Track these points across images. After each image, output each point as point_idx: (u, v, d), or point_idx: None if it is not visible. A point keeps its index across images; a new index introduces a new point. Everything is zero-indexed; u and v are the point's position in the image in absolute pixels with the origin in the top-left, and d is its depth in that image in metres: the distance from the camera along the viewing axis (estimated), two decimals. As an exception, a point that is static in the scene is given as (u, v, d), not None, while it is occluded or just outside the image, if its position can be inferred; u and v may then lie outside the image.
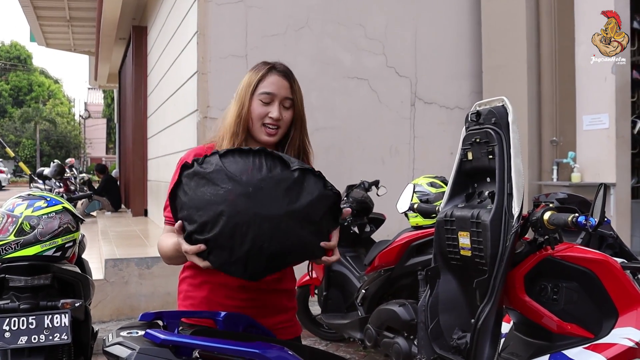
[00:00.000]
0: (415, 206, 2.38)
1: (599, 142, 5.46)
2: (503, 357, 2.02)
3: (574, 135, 5.70)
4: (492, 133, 1.86)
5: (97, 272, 5.79)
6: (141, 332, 1.59)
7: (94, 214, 12.62)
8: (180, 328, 1.83)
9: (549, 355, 1.90)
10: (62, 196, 3.77)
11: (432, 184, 3.66)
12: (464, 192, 2.03)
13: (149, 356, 1.48)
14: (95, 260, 6.46)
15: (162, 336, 1.51)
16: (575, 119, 5.67)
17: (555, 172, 5.69)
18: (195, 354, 1.52)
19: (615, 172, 5.31)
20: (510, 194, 1.80)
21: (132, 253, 6.06)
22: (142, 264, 5.67)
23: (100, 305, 5.45)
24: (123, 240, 7.34)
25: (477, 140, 1.92)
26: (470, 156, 1.97)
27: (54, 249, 2.64)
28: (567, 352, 1.88)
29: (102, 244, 7.16)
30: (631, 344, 1.86)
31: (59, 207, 2.72)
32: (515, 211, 1.78)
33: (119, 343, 1.55)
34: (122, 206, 13.11)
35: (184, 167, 1.64)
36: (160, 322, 1.80)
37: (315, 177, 1.61)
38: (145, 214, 10.64)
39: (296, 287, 4.77)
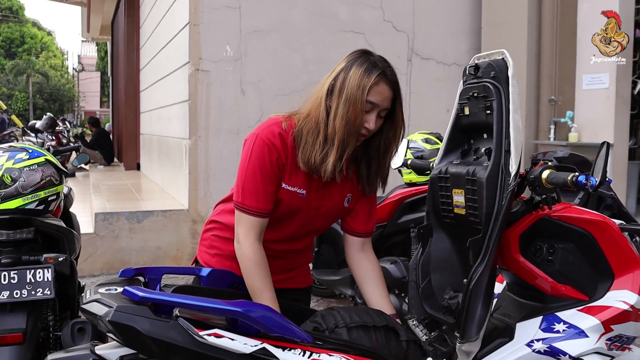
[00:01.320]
0: (409, 162, 2.30)
1: (598, 102, 5.37)
2: (495, 317, 1.98)
3: (572, 94, 5.61)
4: (490, 87, 1.77)
5: (87, 226, 5.74)
6: (120, 289, 1.53)
7: (86, 167, 12.51)
8: (163, 285, 1.77)
9: (542, 316, 1.86)
10: (48, 149, 3.68)
11: (427, 140, 3.57)
12: (460, 149, 1.96)
13: (127, 314, 1.43)
14: (87, 214, 6.40)
15: (140, 293, 1.45)
16: (575, 78, 5.56)
17: (552, 131, 5.61)
18: (176, 312, 1.46)
19: (613, 132, 5.23)
20: (508, 151, 1.72)
21: (123, 207, 6.00)
22: (133, 217, 5.61)
23: (91, 260, 5.41)
24: (114, 194, 7.27)
25: (475, 94, 1.83)
26: (467, 111, 1.88)
27: (37, 202, 2.55)
28: (561, 314, 1.84)
29: (93, 198, 7.09)
30: (626, 306, 1.82)
31: (41, 159, 2.62)
32: (513, 169, 1.70)
33: (96, 300, 1.50)
34: (115, 160, 13.01)
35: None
36: (141, 279, 1.74)
37: (416, 346, 1.79)
38: (138, 167, 10.56)
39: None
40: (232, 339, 1.44)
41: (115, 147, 13.47)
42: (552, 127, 5.62)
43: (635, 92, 5.70)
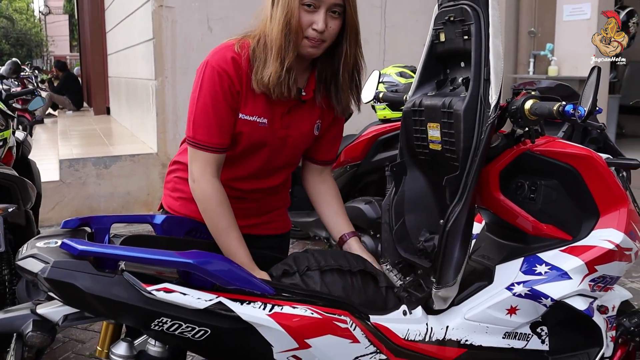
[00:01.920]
0: (381, 95, 2.13)
1: (579, 34, 5.20)
2: (473, 260, 1.86)
3: (552, 26, 5.45)
4: (468, 10, 1.59)
5: (53, 174, 5.54)
6: (59, 242, 1.37)
7: (54, 113, 12.17)
8: (112, 235, 1.61)
9: (522, 258, 1.75)
10: (0, 92, 3.45)
11: (401, 74, 3.40)
12: (435, 79, 1.79)
13: (65, 270, 1.27)
14: (53, 160, 6.18)
15: (80, 246, 1.30)
16: (555, 8, 5.38)
17: (531, 64, 5.49)
18: (121, 265, 1.31)
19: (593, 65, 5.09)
20: (488, 80, 1.56)
21: (90, 152, 5.78)
22: (100, 163, 5.41)
23: (58, 207, 5.23)
24: (82, 140, 7.04)
25: (451, 18, 1.65)
26: (442, 37, 1.71)
27: (-19, 149, 2.37)
28: (543, 255, 1.73)
29: (60, 144, 6.84)
30: (611, 246, 1.72)
31: (-18, 102, 2.42)
32: (493, 99, 1.55)
33: (32, 255, 1.34)
34: (85, 104, 12.64)
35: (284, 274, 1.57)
36: (88, 229, 1.58)
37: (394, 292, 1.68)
38: (108, 112, 10.26)
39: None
40: (184, 294, 1.30)
41: (84, 92, 13.07)
42: (532, 60, 5.49)
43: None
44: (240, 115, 1.64)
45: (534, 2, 5.53)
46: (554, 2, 5.37)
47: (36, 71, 16.65)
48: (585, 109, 1.47)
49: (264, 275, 1.56)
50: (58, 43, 42.80)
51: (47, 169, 5.72)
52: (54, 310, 1.38)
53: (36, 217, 3.37)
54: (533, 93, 1.65)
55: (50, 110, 12.45)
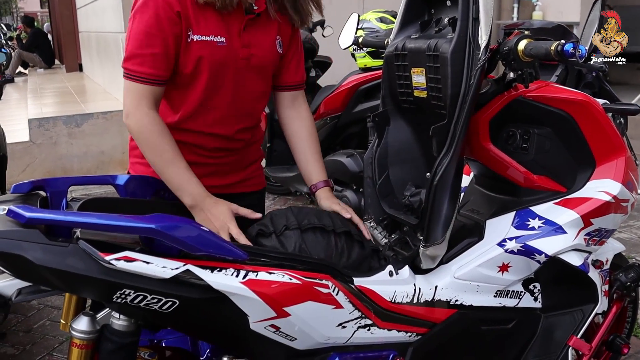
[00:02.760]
0: (360, 40, 1.98)
1: (564, -23, 5.06)
2: (462, 215, 1.76)
3: (537, -31, 5.27)
4: None
5: (23, 134, 5.34)
6: (7, 209, 1.22)
7: (25, 71, 11.80)
8: (71, 199, 1.47)
9: (514, 212, 1.65)
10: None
11: (381, 20, 3.24)
12: (419, 20, 1.64)
13: (11, 240, 1.14)
14: (22, 120, 5.96)
15: (27, 214, 1.16)
16: (541, -50, 5.20)
17: (515, 10, 5.37)
18: (77, 233, 1.18)
19: (580, 11, 4.95)
20: (477, 19, 1.42)
21: (61, 111, 5.57)
22: (71, 122, 5.22)
23: (30, 169, 5.06)
24: (53, 99, 6.80)
25: None
26: None
27: None
28: (535, 209, 1.64)
29: (30, 104, 6.60)
30: (608, 197, 1.63)
31: None
32: (483, 40, 1.41)
33: (-25, 224, 1.19)
34: (56, 62, 12.25)
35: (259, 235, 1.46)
36: (42, 193, 1.44)
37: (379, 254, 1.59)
38: (80, 68, 9.96)
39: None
40: (148, 262, 1.17)
41: (55, 49, 12.65)
42: (516, 5, 5.36)
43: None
44: (195, 37, 1.52)
45: (518, -56, 5.36)
46: (538, -57, 5.19)
47: (4, 27, 16.09)
48: (585, 48, 1.34)
49: (223, 205, 1.46)
50: (27, -1, 41.51)
51: (17, 129, 5.51)
52: (5, 284, 1.25)
53: (3, 180, 3.22)
54: (527, 32, 1.51)
55: (20, 69, 12.08)
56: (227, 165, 1.72)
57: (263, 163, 1.94)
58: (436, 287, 1.56)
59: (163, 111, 1.62)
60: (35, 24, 14.05)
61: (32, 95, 7.30)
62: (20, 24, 13.95)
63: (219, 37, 1.53)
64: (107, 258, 1.15)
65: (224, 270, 1.24)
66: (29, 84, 9.11)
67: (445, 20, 1.56)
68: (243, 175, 1.78)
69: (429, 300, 1.54)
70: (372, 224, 1.73)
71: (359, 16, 2.00)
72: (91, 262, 1.16)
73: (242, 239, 1.39)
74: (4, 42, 12.69)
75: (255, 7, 1.58)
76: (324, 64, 4.19)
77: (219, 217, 1.44)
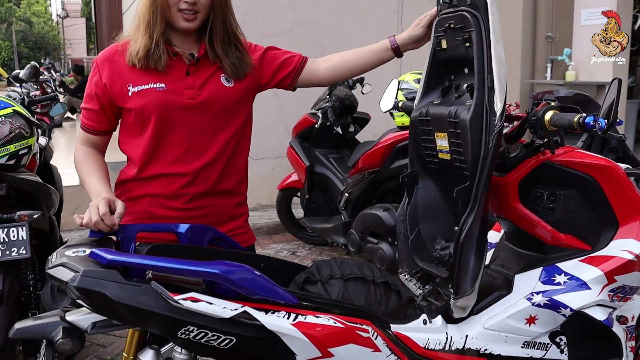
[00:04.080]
0: (400, 104, 2.15)
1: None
2: (492, 269, 1.88)
3: (570, 30, 5.41)
4: (468, 17, 1.60)
5: (73, 178, 5.57)
6: (88, 251, 1.40)
7: (73, 116, 12.28)
8: (137, 244, 1.64)
9: (541, 267, 1.76)
10: (22, 100, 3.49)
11: (419, 81, 3.40)
12: (440, 86, 1.80)
13: (95, 279, 1.31)
14: (73, 165, 6.23)
15: (108, 256, 1.33)
16: (573, 12, 5.35)
17: (549, 70, 5.45)
18: (148, 275, 1.34)
19: (612, 70, 5.06)
20: (492, 88, 1.56)
21: (109, 157, 5.82)
22: (118, 167, 5.43)
23: (78, 212, 5.25)
24: (101, 144, 7.07)
25: (451, 25, 1.66)
26: (444, 44, 1.72)
27: (7, 157, 2.41)
28: (562, 265, 1.75)
29: (80, 148, 6.91)
30: (630, 256, 1.72)
31: (8, 110, 2.46)
32: (498, 108, 1.55)
33: (62, 264, 1.37)
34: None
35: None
36: (114, 238, 1.62)
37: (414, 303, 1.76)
38: (126, 116, 10.31)
39: (278, 190, 4.65)
40: (210, 303, 1.33)
41: (102, 95, 13.13)
42: (549, 65, 5.45)
43: (636, 27, 5.50)
44: (135, 89, 1.74)
45: (552, 7, 5.51)
46: (571, 6, 5.34)
47: (54, 73, 16.78)
48: (605, 121, 1.48)
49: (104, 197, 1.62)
50: (75, 46, 43.14)
51: (67, 173, 5.75)
52: (82, 317, 1.42)
53: (58, 222, 3.42)
54: (553, 104, 1.66)
55: (68, 114, 12.56)
56: (202, 218, 1.80)
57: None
58: (467, 336, 1.67)
59: (127, 167, 1.86)
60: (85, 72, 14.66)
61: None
62: (72, 73, 14.57)
63: (158, 83, 1.74)
64: (176, 298, 1.31)
65: (276, 313, 1.38)
66: (77, 129, 9.51)
67: (464, 86, 1.70)
68: (224, 230, 1.82)
69: (460, 348, 1.65)
70: (406, 277, 1.86)
71: (399, 82, 2.17)
72: (161, 301, 1.32)
73: (107, 219, 1.55)
74: (55, 87, 13.23)
75: (195, 54, 1.78)
76: (363, 120, 4.35)
77: (94, 203, 1.59)
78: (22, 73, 12.94)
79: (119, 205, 1.59)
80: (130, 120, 1.77)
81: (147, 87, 1.74)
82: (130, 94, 1.74)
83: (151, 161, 1.79)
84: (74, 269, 1.34)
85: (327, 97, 4.15)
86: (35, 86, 11.99)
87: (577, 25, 5.32)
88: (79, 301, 1.38)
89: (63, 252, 1.44)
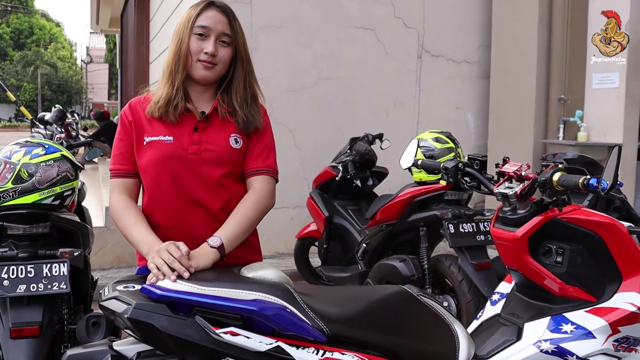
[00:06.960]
0: (419, 162, 2.32)
1: (607, 102, 5.35)
2: (503, 317, 2.00)
3: (582, 93, 5.59)
4: None
5: (97, 220, 5.77)
6: (138, 287, 1.57)
7: (95, 160, 12.58)
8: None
9: (550, 317, 1.89)
10: (61, 143, 3.71)
11: (437, 139, 3.58)
12: None
13: (145, 312, 1.47)
14: (96, 207, 6.46)
15: (159, 292, 1.50)
16: (585, 76, 5.54)
17: (561, 130, 5.60)
18: (194, 309, 1.50)
19: (622, 132, 5.21)
20: None
21: (132, 201, 6.01)
22: (143, 212, 5.64)
23: (101, 253, 5.46)
24: (124, 188, 7.29)
25: None
26: None
27: (53, 198, 2.60)
28: (569, 315, 1.87)
29: (103, 191, 7.14)
30: (633, 308, 1.84)
31: (57, 154, 2.66)
32: None
33: (115, 297, 1.53)
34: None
35: None
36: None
37: None
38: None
39: (297, 238, 4.77)
40: (248, 337, 1.48)
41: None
42: (561, 126, 5.60)
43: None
44: (148, 138, 1.88)
45: (564, 70, 5.72)
46: (583, 70, 5.54)
47: (77, 117, 17.22)
48: (607, 182, 1.64)
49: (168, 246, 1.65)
50: (97, 91, 44.22)
51: (91, 215, 5.96)
52: (129, 347, 1.57)
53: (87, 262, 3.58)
54: (560, 166, 1.82)
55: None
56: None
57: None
58: (479, 379, 1.79)
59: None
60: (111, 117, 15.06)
61: (104, 184, 7.86)
62: (92, 116, 14.98)
63: (167, 136, 1.88)
64: (218, 331, 1.46)
65: (306, 349, 1.53)
66: (100, 172, 9.77)
67: None
68: None
69: (472, 390, 1.77)
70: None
71: (418, 141, 2.35)
72: (204, 333, 1.47)
73: (184, 260, 1.60)
74: (78, 130, 13.58)
75: (205, 112, 1.91)
76: (381, 174, 4.47)
77: (162, 248, 1.64)
78: (48, 115, 13.31)
79: (184, 247, 1.67)
80: (137, 164, 1.91)
81: (157, 138, 1.88)
82: (145, 142, 1.89)
83: (153, 208, 1.90)
84: (126, 301, 1.50)
85: (348, 151, 4.30)
86: (60, 129, 12.39)
87: (589, 88, 5.50)
88: (128, 331, 1.53)
89: (114, 286, 1.60)
